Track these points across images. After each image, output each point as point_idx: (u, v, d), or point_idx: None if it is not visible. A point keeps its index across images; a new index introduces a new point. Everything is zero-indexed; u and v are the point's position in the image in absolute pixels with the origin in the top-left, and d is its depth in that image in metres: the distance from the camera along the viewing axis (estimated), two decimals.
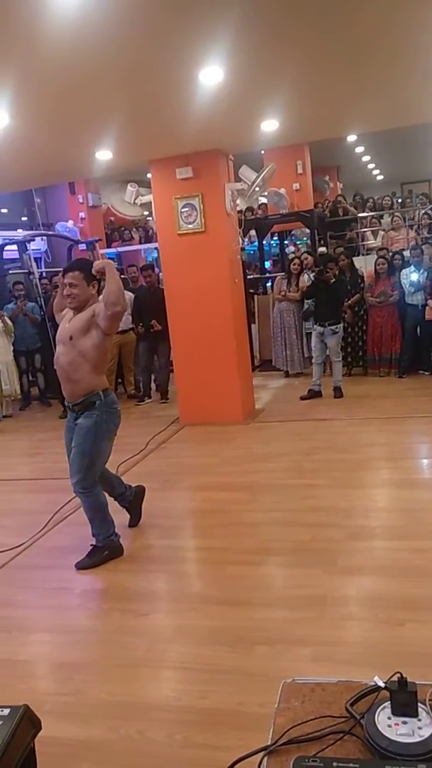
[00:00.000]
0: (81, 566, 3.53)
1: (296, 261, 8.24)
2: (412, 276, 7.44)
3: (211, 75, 3.84)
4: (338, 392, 6.86)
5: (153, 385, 7.78)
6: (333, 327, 6.82)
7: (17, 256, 9.56)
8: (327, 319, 6.81)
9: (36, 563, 3.70)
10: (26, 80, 3.61)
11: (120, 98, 4.18)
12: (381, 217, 10.95)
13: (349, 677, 1.29)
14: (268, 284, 9.25)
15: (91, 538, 3.60)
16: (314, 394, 6.99)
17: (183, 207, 6.15)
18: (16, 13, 2.76)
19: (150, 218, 10.70)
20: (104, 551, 3.54)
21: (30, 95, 3.86)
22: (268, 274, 9.79)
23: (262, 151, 9.44)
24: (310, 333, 8.07)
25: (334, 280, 6.87)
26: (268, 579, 3.28)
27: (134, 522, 3.91)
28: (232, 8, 3.01)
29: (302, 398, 6.98)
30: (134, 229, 11.75)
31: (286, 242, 10.89)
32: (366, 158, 14.84)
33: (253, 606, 2.94)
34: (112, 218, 12.55)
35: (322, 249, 8.35)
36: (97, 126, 4.80)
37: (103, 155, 5.66)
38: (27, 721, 1.45)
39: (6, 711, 1.45)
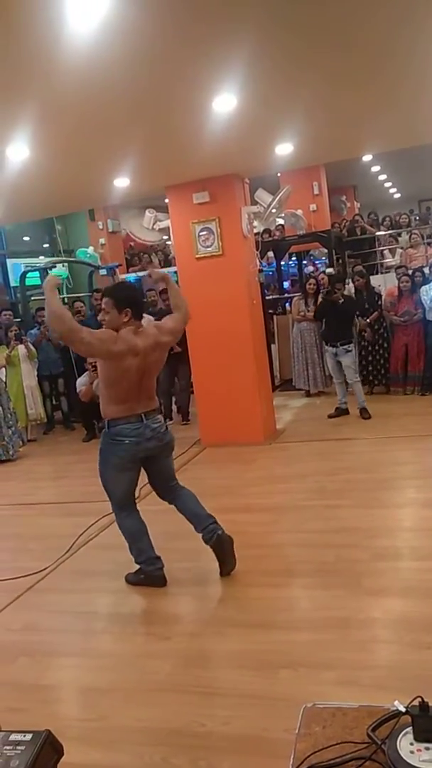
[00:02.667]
0: (126, 579, 3.58)
1: (311, 281, 8.26)
2: None
3: (225, 102, 3.92)
4: (365, 413, 6.76)
5: (174, 407, 7.81)
6: (345, 346, 6.82)
7: (39, 283, 9.73)
8: (338, 339, 6.82)
9: (60, 587, 3.71)
10: (44, 114, 3.72)
11: (136, 127, 4.27)
12: (399, 235, 10.95)
13: (373, 701, 1.28)
14: (287, 304, 9.27)
15: (116, 561, 3.61)
16: (341, 412, 6.95)
17: (200, 231, 6.23)
18: (33, 50, 2.86)
19: (169, 242, 10.83)
20: (141, 574, 3.53)
21: (48, 128, 3.98)
22: (286, 295, 9.82)
23: (279, 174, 9.54)
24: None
25: (342, 300, 6.86)
26: (292, 601, 3.25)
27: (224, 571, 3.48)
28: (244, 37, 3.08)
29: (330, 416, 6.94)
30: (153, 254, 11.90)
31: (304, 262, 10.94)
32: (382, 177, 14.91)
33: (276, 629, 2.92)
34: (132, 243, 12.74)
35: (330, 270, 8.36)
36: (114, 155, 4.92)
37: (121, 182, 5.78)
38: (49, 747, 1.45)
39: (28, 736, 1.45)
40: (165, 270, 10.96)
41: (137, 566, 3.56)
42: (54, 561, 3.99)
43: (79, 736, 2.31)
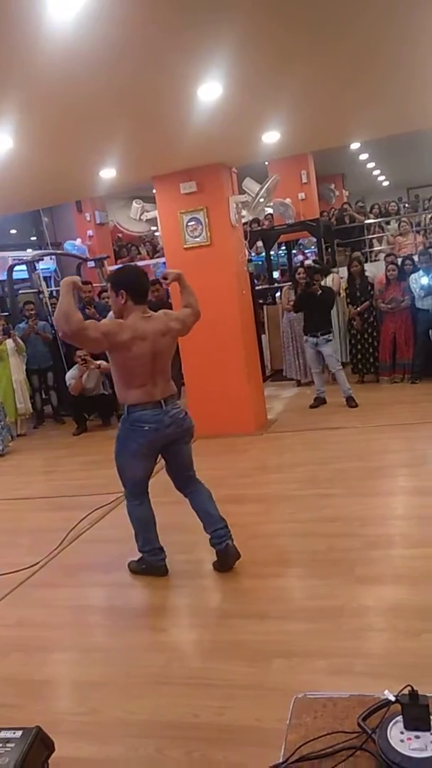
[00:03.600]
0: (129, 566, 3.60)
1: (300, 270, 8.24)
2: (422, 280, 7.41)
3: (210, 91, 3.88)
4: (352, 401, 6.79)
5: None
6: (326, 336, 6.88)
7: (27, 276, 9.66)
8: (318, 330, 6.87)
9: (53, 581, 3.69)
10: (27, 104, 3.67)
11: (120, 117, 4.22)
12: (388, 223, 10.94)
13: (367, 690, 1.28)
14: (277, 294, 9.26)
15: (108, 554, 3.60)
16: (320, 402, 7.03)
17: (188, 221, 6.19)
18: (13, 39, 2.81)
19: (157, 233, 10.78)
20: (143, 564, 3.54)
21: (32, 118, 3.92)
22: (276, 284, 9.80)
23: (266, 163, 9.49)
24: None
25: (320, 291, 6.88)
26: (285, 591, 3.25)
27: (217, 568, 3.47)
28: (228, 26, 3.04)
29: (311, 407, 7.00)
30: (142, 245, 11.83)
31: (293, 251, 10.91)
32: (371, 165, 14.88)
33: (269, 619, 2.92)
34: (120, 235, 12.66)
35: (309, 262, 8.33)
36: (100, 145, 4.86)
37: (107, 173, 5.72)
38: (39, 743, 1.45)
39: (18, 733, 1.45)
40: (154, 261, 10.93)
41: (137, 556, 3.56)
42: (46, 555, 3.97)
43: (73, 730, 2.30)
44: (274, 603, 3.07)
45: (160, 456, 3.47)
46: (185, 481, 3.57)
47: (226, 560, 3.46)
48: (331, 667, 2.46)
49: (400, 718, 1.09)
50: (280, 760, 1.11)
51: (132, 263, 10.65)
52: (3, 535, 4.66)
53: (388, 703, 1.13)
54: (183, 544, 3.74)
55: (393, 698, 1.11)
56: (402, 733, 1.06)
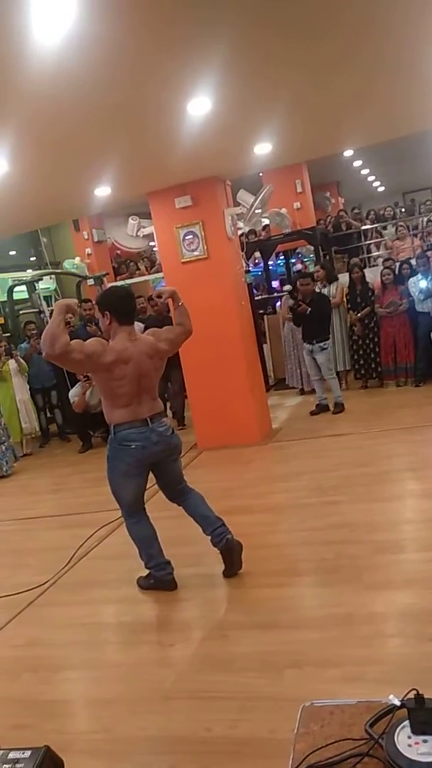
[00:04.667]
0: (138, 583, 3.60)
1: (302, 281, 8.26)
2: (420, 284, 7.41)
3: (199, 106, 3.91)
4: (338, 407, 6.91)
5: (169, 413, 7.80)
6: (321, 344, 6.89)
7: (27, 296, 9.72)
8: (314, 337, 6.90)
9: (62, 600, 3.69)
10: (21, 128, 3.71)
11: (113, 135, 4.26)
12: (384, 228, 10.97)
13: (380, 696, 1.26)
14: (277, 304, 9.27)
15: (116, 570, 3.59)
16: (322, 409, 7.05)
17: (185, 235, 6.22)
18: (2, 67, 2.85)
19: (155, 249, 10.84)
20: (151, 579, 3.53)
21: (26, 142, 3.96)
22: (276, 294, 9.82)
23: (260, 173, 9.55)
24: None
25: (309, 309, 6.89)
26: (294, 600, 3.23)
27: (227, 574, 3.50)
28: (214, 41, 3.07)
29: (312, 413, 7.03)
30: (140, 261, 11.90)
31: (292, 260, 10.94)
32: (365, 171, 14.95)
33: (280, 629, 2.90)
34: (119, 252, 12.72)
35: (288, 287, 8.32)
36: (94, 164, 4.91)
37: (102, 191, 5.77)
38: (49, 762, 1.43)
39: (27, 753, 1.43)
40: (152, 276, 10.98)
41: (145, 571, 3.55)
42: (54, 574, 3.96)
43: (85, 749, 2.29)
44: (284, 612, 3.05)
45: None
46: (177, 493, 3.58)
47: (231, 555, 3.47)
48: (343, 675, 2.44)
49: (407, 722, 1.08)
50: None
51: (131, 282, 10.74)
52: (11, 556, 4.66)
53: (394, 708, 1.12)
54: (188, 557, 3.73)
55: (399, 703, 1.11)
56: (409, 737, 1.05)
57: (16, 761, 1.42)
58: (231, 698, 2.46)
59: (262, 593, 3.28)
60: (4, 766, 1.41)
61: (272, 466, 5.65)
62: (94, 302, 8.34)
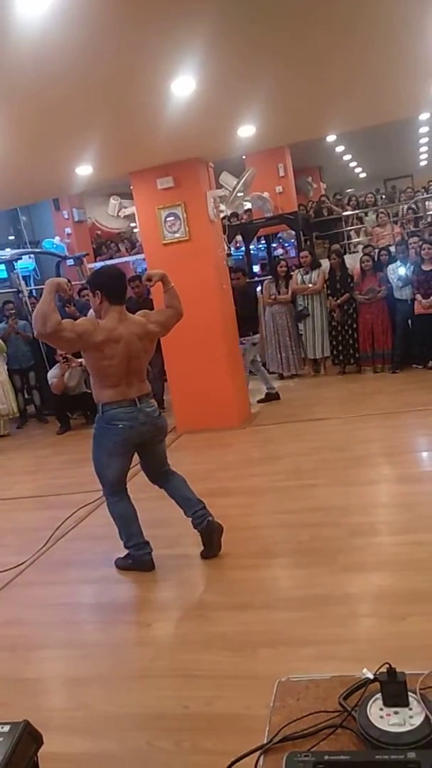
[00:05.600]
0: (115, 563, 3.61)
1: (282, 263, 8.28)
2: (399, 271, 7.48)
3: (183, 85, 3.88)
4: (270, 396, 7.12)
5: None
6: (243, 339, 6.96)
7: (6, 276, 9.58)
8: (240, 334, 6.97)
9: (39, 580, 3.70)
10: (0, 103, 3.64)
11: (95, 113, 4.21)
12: (366, 214, 11.01)
13: (353, 674, 1.30)
14: (258, 288, 9.28)
15: (94, 551, 3.61)
16: (272, 397, 7.20)
17: (166, 217, 6.18)
18: None
19: (136, 230, 10.75)
20: (129, 559, 3.56)
21: (5, 117, 3.90)
22: (257, 278, 9.82)
23: (243, 156, 9.50)
24: (302, 334, 8.14)
25: (240, 294, 6.95)
26: (270, 582, 3.28)
27: (206, 555, 3.54)
28: (199, 18, 3.04)
29: (259, 401, 7.12)
30: (120, 242, 11.79)
31: (273, 245, 10.94)
32: (347, 157, 14.94)
33: (256, 609, 2.95)
34: (99, 232, 12.60)
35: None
36: (75, 142, 4.84)
37: (84, 170, 5.70)
38: (28, 737, 1.46)
39: (6, 728, 1.45)
40: (133, 258, 10.89)
41: (122, 552, 3.57)
42: (32, 555, 3.97)
43: (63, 726, 2.31)
44: (260, 594, 3.10)
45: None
46: (160, 475, 3.61)
47: (211, 536, 3.52)
48: (317, 654, 2.50)
49: (379, 695, 1.12)
50: (264, 742, 1.14)
51: (111, 263, 10.63)
52: None
53: (367, 681, 1.16)
54: (167, 539, 3.76)
55: (372, 677, 1.14)
56: (381, 709, 1.09)
57: None
58: (207, 677, 2.51)
59: (239, 574, 3.33)
60: None
61: (251, 450, 5.69)
62: (82, 283, 8.30)
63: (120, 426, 3.30)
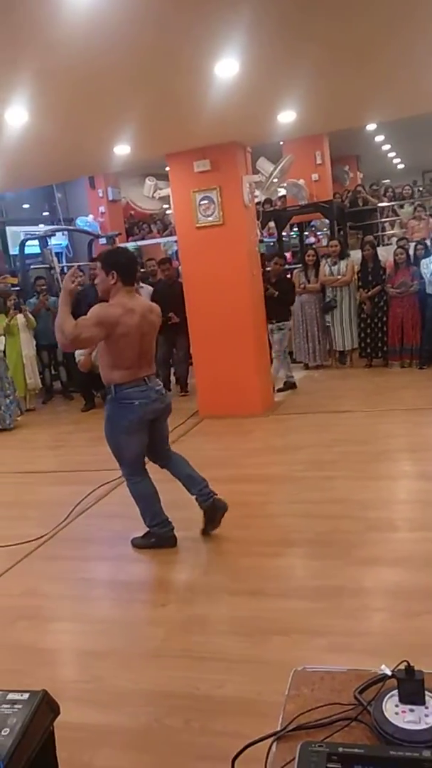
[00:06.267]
0: (132, 542, 3.66)
1: (310, 252, 8.21)
2: None
3: (227, 67, 3.84)
4: (289, 385, 7.10)
5: (173, 378, 7.82)
6: (280, 324, 7.03)
7: (39, 251, 9.66)
8: (274, 317, 7.01)
9: (58, 554, 3.76)
10: (43, 77, 3.65)
11: (136, 92, 4.19)
12: (401, 206, 10.83)
13: (364, 667, 1.31)
14: (289, 276, 9.21)
15: (113, 529, 3.66)
16: (289, 386, 7.21)
17: (201, 200, 6.16)
18: (30, 12, 2.79)
19: (169, 211, 10.72)
20: (151, 537, 3.61)
21: (47, 92, 3.90)
22: (288, 266, 9.75)
23: (281, 142, 9.39)
24: (329, 326, 8.08)
25: (277, 293, 6.96)
26: (285, 570, 3.30)
27: (206, 530, 3.67)
28: (245, 2, 3.00)
29: (278, 390, 7.10)
30: (153, 223, 11.78)
31: (305, 233, 10.83)
32: (386, 147, 14.67)
33: (270, 596, 2.97)
34: (132, 212, 12.60)
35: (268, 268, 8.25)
36: (115, 121, 4.83)
37: (121, 150, 5.69)
38: (45, 706, 1.49)
39: (25, 696, 1.49)
40: (164, 240, 10.88)
41: (140, 531, 3.61)
42: (52, 528, 4.04)
43: (76, 696, 2.36)
44: (275, 581, 3.12)
45: None
46: (163, 453, 3.69)
47: (214, 514, 3.62)
48: (329, 645, 2.51)
49: (395, 692, 1.12)
50: (278, 729, 1.15)
51: (143, 244, 10.64)
52: (11, 508, 4.74)
53: (384, 677, 1.16)
54: (183, 521, 3.78)
55: (389, 673, 1.15)
56: (397, 706, 1.09)
57: (15, 702, 1.48)
58: (219, 659, 2.54)
59: (254, 561, 3.35)
60: (4, 706, 1.47)
61: (272, 438, 5.69)
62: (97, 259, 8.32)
63: (136, 404, 3.38)
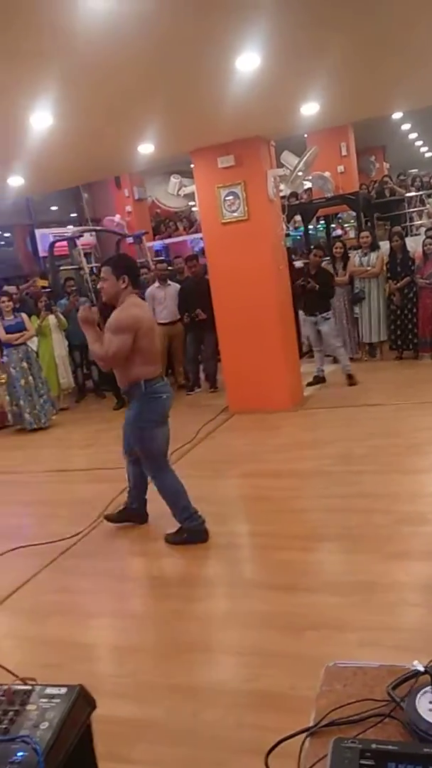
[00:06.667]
0: (166, 539, 3.71)
1: (338, 244, 8.13)
2: None
3: (248, 61, 3.82)
4: (351, 379, 6.90)
5: (202, 375, 7.85)
6: (324, 314, 6.89)
7: (67, 253, 9.76)
8: (317, 309, 6.89)
9: (92, 551, 3.82)
10: (66, 80, 3.69)
11: (158, 91, 4.21)
12: (429, 196, 10.65)
13: (396, 662, 1.31)
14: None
15: (144, 526, 3.69)
16: (318, 380, 7.14)
17: (226, 195, 6.15)
18: (51, 15, 2.82)
19: (194, 208, 10.74)
20: (183, 533, 3.66)
21: (71, 95, 3.94)
22: None
23: (305, 135, 9.33)
24: (358, 318, 8.00)
25: (318, 287, 6.84)
26: (317, 565, 3.30)
27: (111, 518, 4.05)
28: None
29: (308, 384, 7.05)
30: (179, 221, 11.81)
31: (332, 226, 10.74)
32: (413, 135, 14.46)
33: (301, 591, 2.97)
34: (158, 210, 12.65)
35: (299, 263, 8.13)
36: (138, 119, 4.86)
37: (145, 148, 5.72)
38: (82, 700, 1.53)
39: (63, 690, 1.53)
40: (191, 237, 10.90)
41: (172, 527, 3.65)
42: (86, 526, 4.09)
43: (113, 691, 2.41)
44: (305, 576, 3.12)
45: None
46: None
47: (130, 517, 4.03)
48: (361, 639, 2.50)
49: (429, 688, 1.11)
50: (310, 724, 1.16)
51: (170, 242, 10.66)
52: (46, 506, 4.83)
53: (417, 673, 1.16)
54: (215, 516, 3.81)
55: (422, 669, 1.14)
56: (431, 702, 1.09)
57: (53, 696, 1.52)
58: (252, 654, 2.56)
59: (285, 555, 3.36)
60: (41, 700, 1.51)
61: (301, 433, 5.68)
62: (141, 262, 8.39)
63: (164, 397, 3.59)
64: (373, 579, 2.96)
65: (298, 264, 7.65)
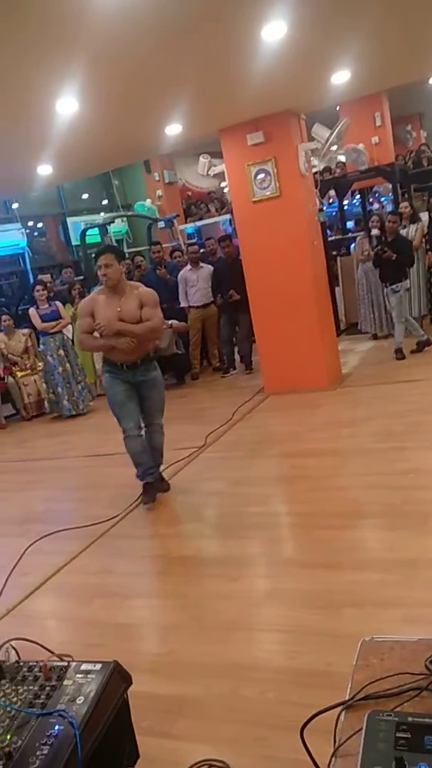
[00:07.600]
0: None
1: (375, 218, 7.92)
2: None
3: (274, 30, 3.72)
4: (399, 354, 6.69)
5: (237, 357, 7.80)
6: (393, 286, 6.70)
7: (99, 240, 9.81)
8: (387, 280, 6.75)
9: (131, 533, 3.85)
10: (90, 63, 3.65)
11: (184, 68, 4.13)
12: None
13: None
14: (352, 246, 8.96)
15: (181, 507, 3.67)
16: (423, 345, 6.84)
17: (256, 173, 6.05)
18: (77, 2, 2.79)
19: (225, 189, 10.63)
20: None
21: (95, 78, 3.91)
22: (350, 234, 9.48)
23: (338, 107, 9.10)
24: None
25: (395, 256, 6.60)
26: (358, 542, 3.24)
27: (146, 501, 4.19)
28: None
29: (413, 351, 6.82)
30: (210, 202, 11.72)
31: (369, 200, 10.48)
32: None
33: (342, 569, 2.93)
34: (189, 192, 12.58)
35: (375, 231, 7.81)
36: (164, 99, 4.79)
37: (173, 129, 5.66)
38: (117, 675, 1.54)
39: (98, 666, 1.54)
40: (222, 218, 10.80)
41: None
42: (124, 509, 4.13)
43: (152, 668, 2.42)
44: (347, 553, 3.07)
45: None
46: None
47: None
48: (403, 616, 2.45)
49: None
50: (346, 698, 1.13)
51: (202, 224, 10.58)
52: (85, 490, 4.89)
53: None
54: (255, 497, 3.79)
55: None
56: None
57: (89, 672, 1.53)
58: (291, 631, 2.53)
59: (326, 534, 3.31)
60: (77, 676, 1.53)
61: (340, 411, 5.59)
62: (173, 245, 8.34)
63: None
64: (416, 555, 2.89)
65: (375, 232, 7.40)
